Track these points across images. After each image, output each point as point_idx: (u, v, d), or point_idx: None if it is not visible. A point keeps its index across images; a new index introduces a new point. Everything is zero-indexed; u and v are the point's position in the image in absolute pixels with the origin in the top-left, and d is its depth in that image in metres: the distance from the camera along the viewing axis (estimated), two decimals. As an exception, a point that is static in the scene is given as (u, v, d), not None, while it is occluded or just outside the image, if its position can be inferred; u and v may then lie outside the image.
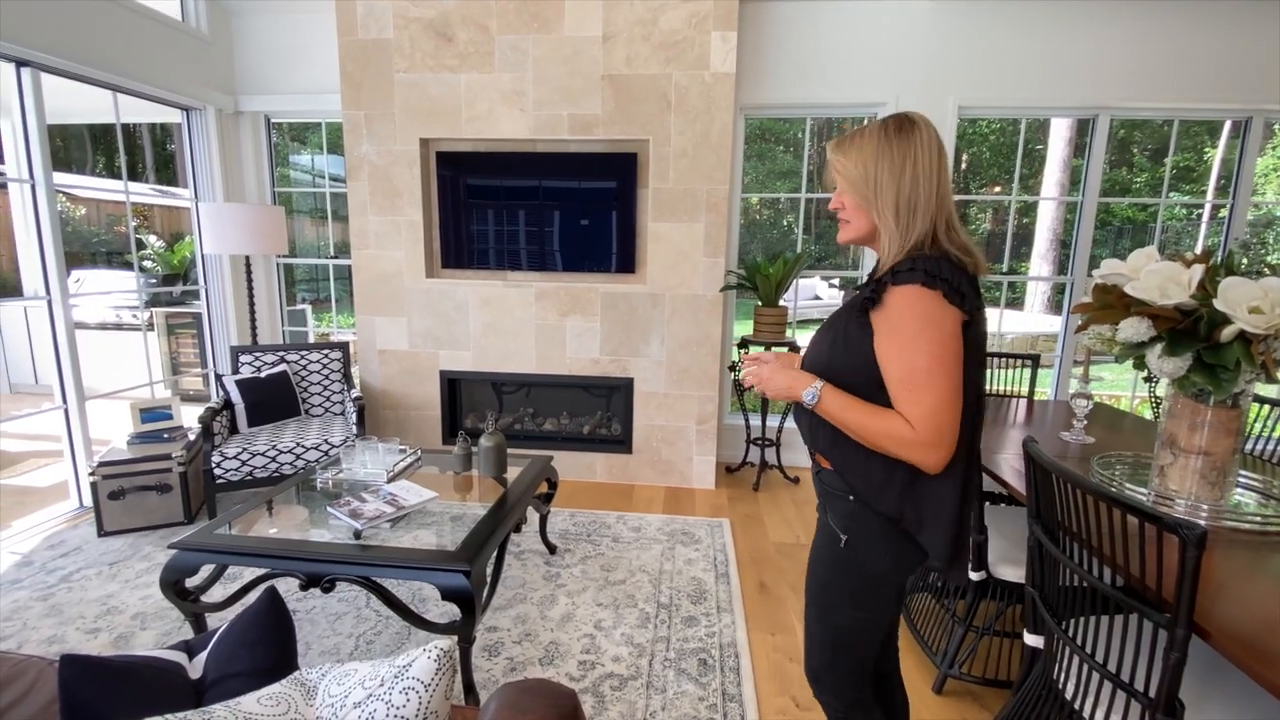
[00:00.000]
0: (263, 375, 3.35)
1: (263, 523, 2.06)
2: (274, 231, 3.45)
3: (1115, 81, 3.45)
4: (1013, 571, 1.85)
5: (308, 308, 5.83)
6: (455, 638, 1.75)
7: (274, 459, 3.00)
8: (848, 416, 1.06)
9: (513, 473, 2.53)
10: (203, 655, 1.05)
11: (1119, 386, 6.29)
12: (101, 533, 2.86)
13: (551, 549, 2.80)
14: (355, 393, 3.43)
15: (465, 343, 3.66)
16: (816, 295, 9.78)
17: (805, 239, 4.43)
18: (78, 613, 2.33)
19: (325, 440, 3.11)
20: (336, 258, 4.55)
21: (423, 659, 0.88)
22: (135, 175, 10.26)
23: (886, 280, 1.03)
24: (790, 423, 3.75)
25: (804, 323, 6.96)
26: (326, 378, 3.58)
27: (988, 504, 2.23)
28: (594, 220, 3.51)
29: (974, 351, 1.06)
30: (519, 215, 3.56)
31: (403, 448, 2.59)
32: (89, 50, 3.09)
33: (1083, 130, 8.27)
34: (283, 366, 3.45)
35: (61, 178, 5.54)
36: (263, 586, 1.95)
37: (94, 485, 2.82)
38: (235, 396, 3.22)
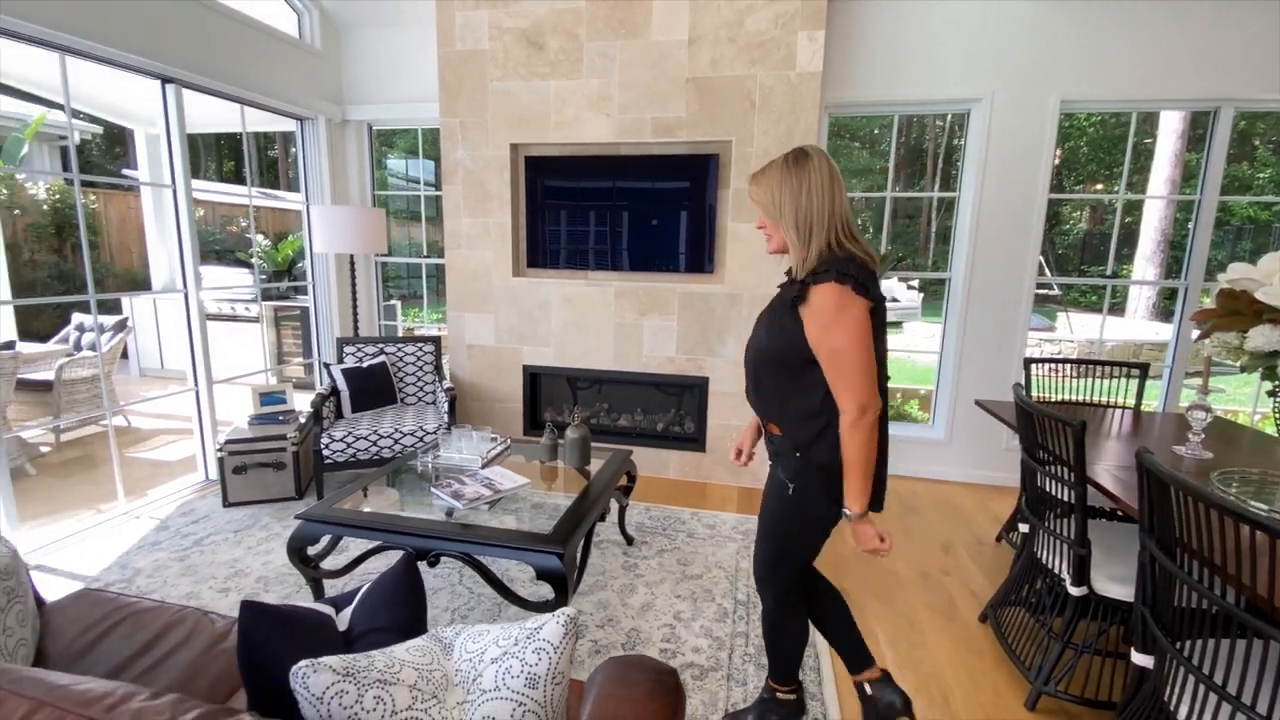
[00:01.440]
0: (364, 365, 3.61)
1: (373, 499, 2.24)
2: (376, 232, 3.71)
3: (1238, 72, 3.19)
4: (1119, 589, 1.77)
5: (398, 304, 6.19)
6: (577, 609, 1.85)
7: (374, 442, 3.23)
8: (857, 481, 1.36)
9: (595, 465, 2.63)
10: (348, 611, 1.18)
11: (1238, 400, 5.78)
12: (226, 503, 3.17)
13: (629, 540, 2.89)
14: (447, 384, 3.64)
15: (547, 339, 3.81)
16: (894, 298, 9.48)
17: (881, 239, 4.33)
18: (209, 573, 2.60)
19: (420, 427, 3.32)
20: (428, 257, 4.82)
21: (552, 623, 0.97)
22: (240, 179, 11.15)
23: (809, 281, 1.32)
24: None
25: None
26: (420, 369, 3.82)
27: (1089, 520, 2.14)
28: (672, 221, 3.58)
29: (879, 330, 1.36)
30: (600, 217, 3.67)
31: (494, 436, 2.74)
32: (223, 68, 3.42)
33: (1197, 123, 7.59)
34: (382, 357, 3.71)
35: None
36: (374, 558, 2.12)
37: (220, 461, 3.13)
38: (341, 384, 3.49)
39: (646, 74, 3.42)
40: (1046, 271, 6.60)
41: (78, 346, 4.77)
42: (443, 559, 2.05)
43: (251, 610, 1.04)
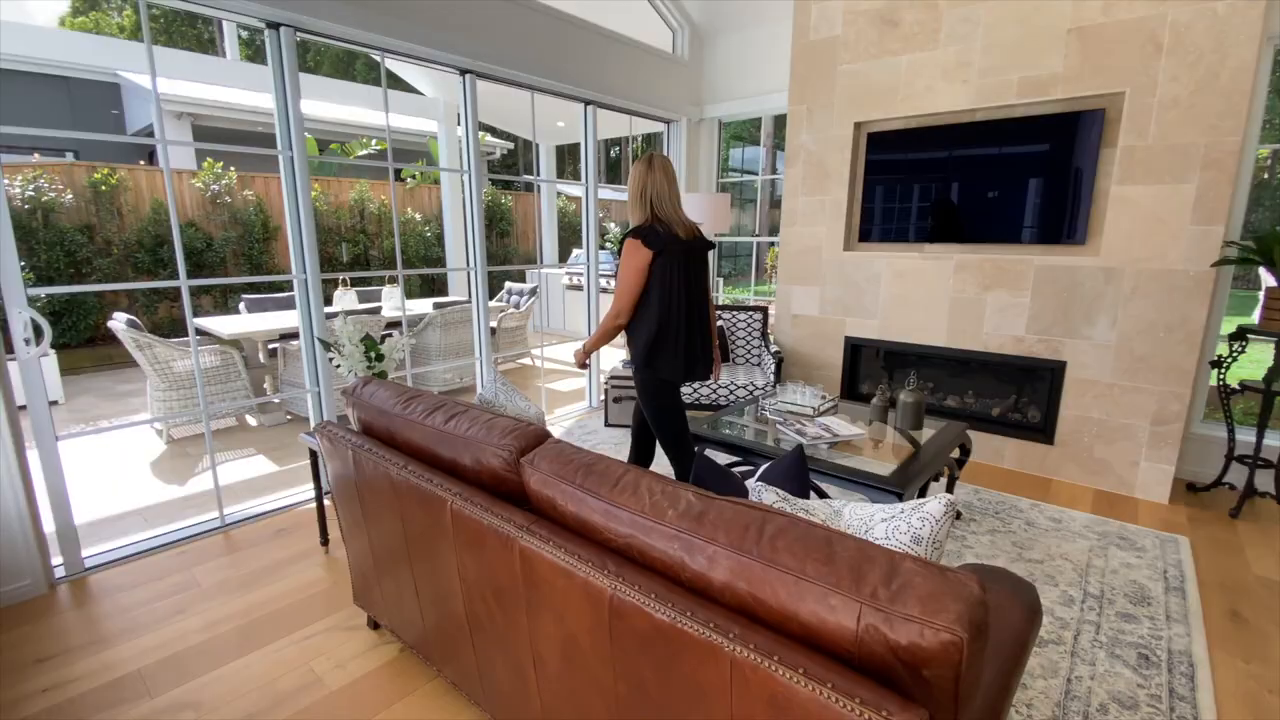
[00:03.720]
0: (707, 327, 4.24)
1: (728, 429, 2.73)
2: (721, 214, 4.28)
3: None
4: None
5: (720, 279, 6.87)
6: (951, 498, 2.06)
7: (714, 391, 3.81)
8: (594, 339, 2.45)
9: (925, 433, 2.69)
10: (752, 480, 1.59)
11: None
12: (607, 424, 4.13)
13: (957, 514, 2.87)
14: (775, 348, 4.04)
15: (873, 312, 3.90)
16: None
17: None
18: (600, 471, 3.47)
19: (751, 383, 3.79)
20: (758, 236, 5.29)
21: (934, 502, 1.20)
22: (577, 175, 13.42)
23: (626, 235, 2.25)
24: (1305, 443, 2.87)
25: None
26: (750, 335, 4.30)
27: None
28: (1021, 189, 3.30)
29: (672, 268, 2.26)
30: (940, 188, 3.58)
31: (823, 394, 3.01)
32: (621, 86, 4.34)
33: None
34: (721, 322, 4.29)
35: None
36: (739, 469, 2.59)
37: (605, 391, 4.08)
38: (688, 341, 4.18)
39: (1015, 31, 3.20)
40: None
41: (509, 305, 6.58)
42: (786, 484, 2.42)
43: (704, 461, 1.51)
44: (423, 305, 5.53)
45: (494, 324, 5.66)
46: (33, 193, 5.53)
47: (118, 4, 15.22)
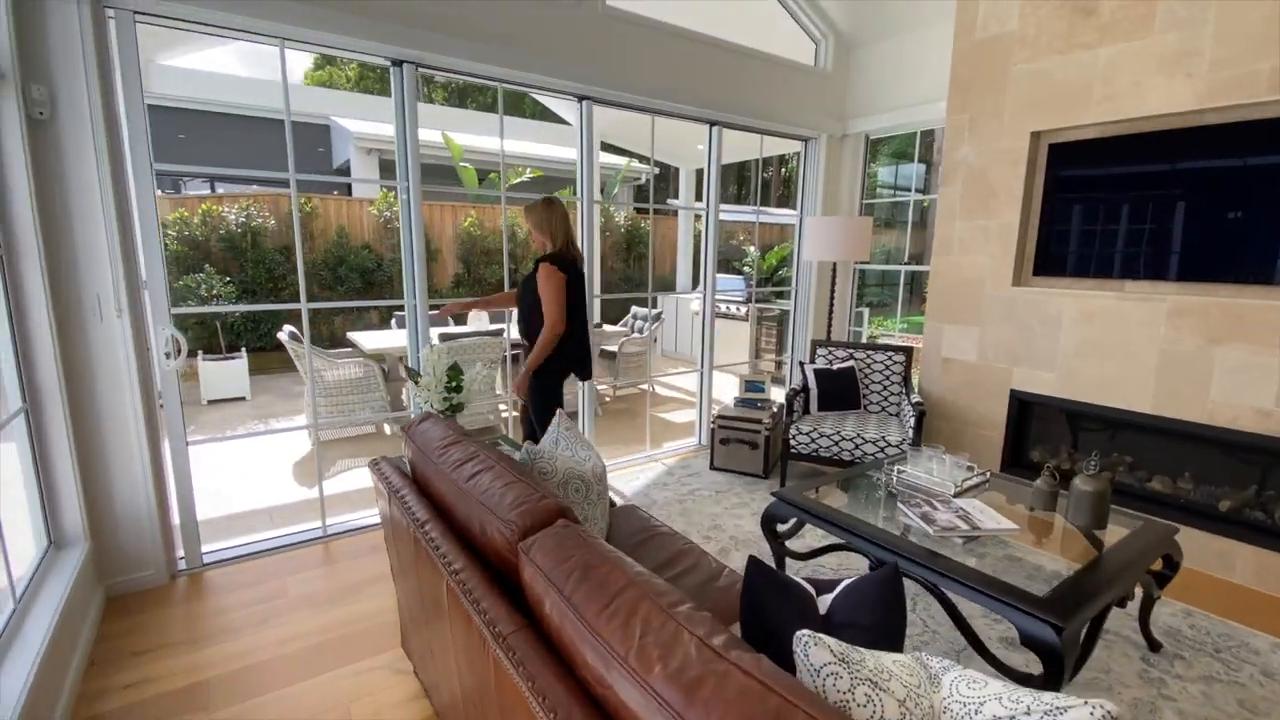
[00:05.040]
0: (834, 368, 3.74)
1: (836, 497, 2.29)
2: (861, 240, 3.78)
3: None
4: None
5: (865, 310, 6.20)
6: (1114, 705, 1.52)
7: (836, 442, 3.32)
8: (536, 358, 2.66)
9: (1112, 533, 2.03)
10: (827, 597, 1.22)
11: None
12: (712, 466, 3.80)
13: (1154, 645, 2.14)
14: (915, 398, 3.44)
15: (1049, 362, 3.16)
16: None
17: None
18: (697, 520, 3.15)
19: (882, 437, 3.24)
20: (909, 264, 4.65)
21: (1083, 709, 0.76)
22: (739, 200, 13.10)
23: (539, 261, 2.64)
24: None
25: None
26: (887, 378, 3.73)
27: None
28: (1272, 212, 2.44)
29: (575, 293, 2.68)
30: (1148, 211, 2.80)
31: (969, 465, 2.43)
32: (750, 103, 4.03)
33: None
34: (851, 362, 3.77)
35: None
36: (832, 554, 2.16)
37: (712, 431, 3.75)
38: (811, 382, 3.71)
39: (1267, 9, 2.40)
40: None
41: (633, 330, 6.50)
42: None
43: (758, 568, 1.16)
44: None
45: (614, 348, 5.58)
46: (244, 219, 6.55)
47: (345, 60, 18.02)
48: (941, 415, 3.66)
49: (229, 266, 6.59)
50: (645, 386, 6.02)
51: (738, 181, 16.78)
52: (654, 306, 7.87)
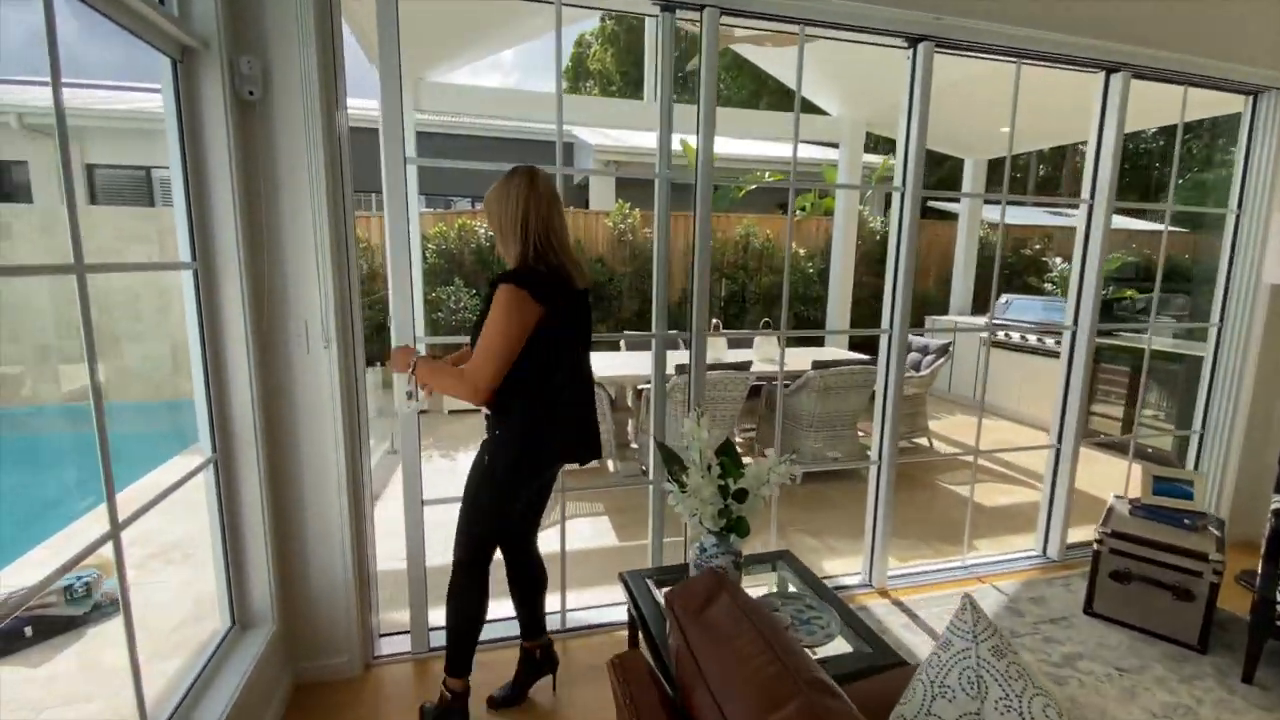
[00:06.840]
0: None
1: None
2: None
3: None
4: None
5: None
6: None
7: None
8: (433, 379, 1.62)
9: None
10: None
11: None
12: (1088, 609, 2.38)
13: None
14: None
15: None
16: None
17: None
18: (1091, 722, 1.84)
19: None
20: None
21: None
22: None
23: (498, 280, 1.50)
24: None
25: None
26: None
27: None
28: None
29: (556, 332, 1.56)
30: None
31: None
32: (1169, 38, 2.53)
33: None
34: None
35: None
36: None
37: (1096, 551, 2.34)
38: None
39: None
40: None
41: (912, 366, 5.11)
42: None
43: None
44: (799, 357, 4.57)
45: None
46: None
47: (595, 80, 19.03)
48: None
49: (477, 279, 6.75)
50: (923, 440, 4.61)
51: (1018, 175, 13.71)
52: (920, 329, 6.29)
